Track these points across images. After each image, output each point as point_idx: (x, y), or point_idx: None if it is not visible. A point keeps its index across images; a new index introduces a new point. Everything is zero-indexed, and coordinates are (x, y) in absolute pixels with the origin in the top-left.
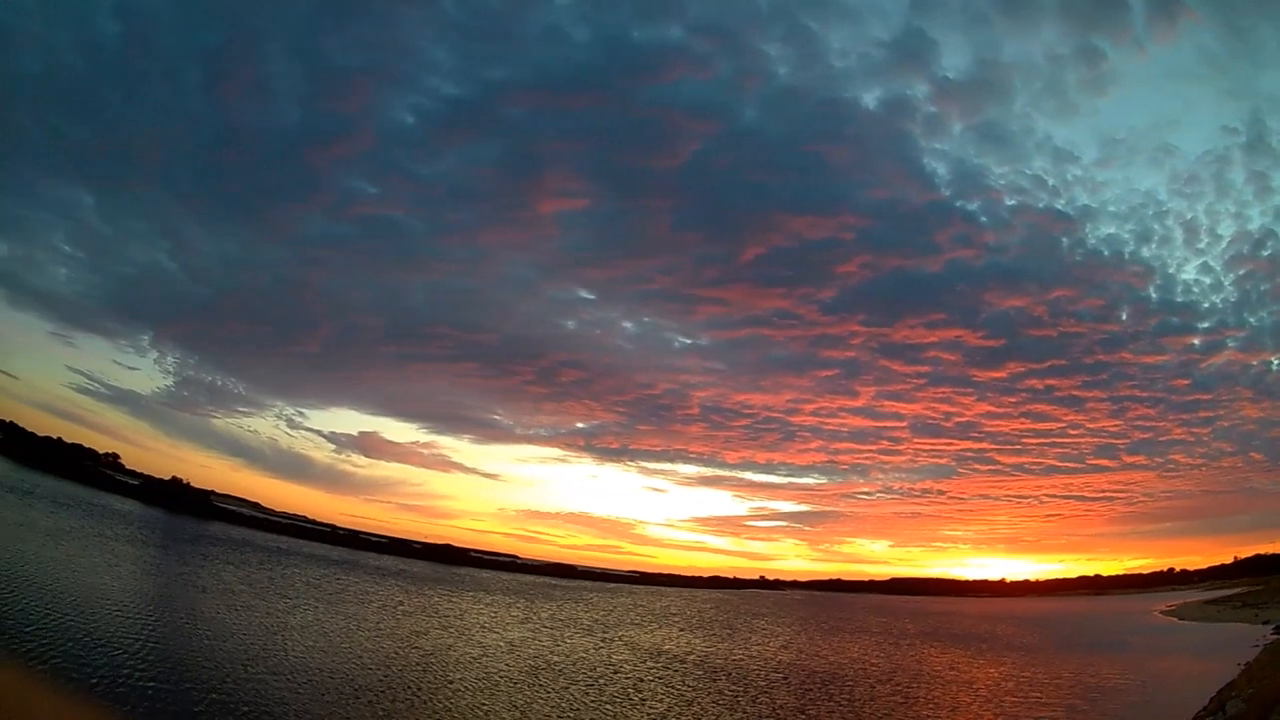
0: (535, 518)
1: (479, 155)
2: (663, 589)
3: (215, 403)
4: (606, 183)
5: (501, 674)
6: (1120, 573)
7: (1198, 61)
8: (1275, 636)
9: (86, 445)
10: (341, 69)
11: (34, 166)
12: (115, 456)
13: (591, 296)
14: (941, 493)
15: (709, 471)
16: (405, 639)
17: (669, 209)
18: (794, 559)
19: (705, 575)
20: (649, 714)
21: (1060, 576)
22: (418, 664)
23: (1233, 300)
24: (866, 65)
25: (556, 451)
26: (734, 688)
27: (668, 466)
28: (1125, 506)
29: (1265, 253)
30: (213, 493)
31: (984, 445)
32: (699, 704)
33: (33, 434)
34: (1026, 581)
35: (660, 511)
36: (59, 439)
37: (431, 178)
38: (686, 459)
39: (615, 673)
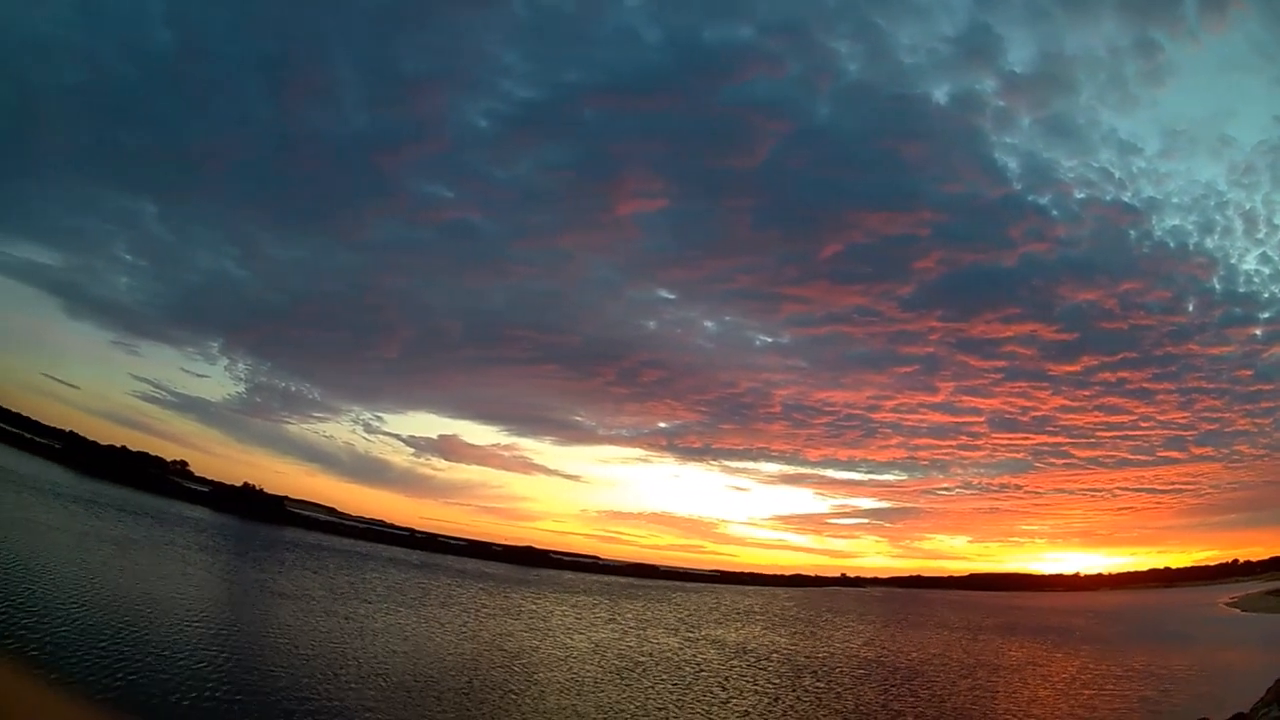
0: (617, 518)
1: (555, 158)
2: (745, 588)
3: (289, 408)
4: (684, 183)
5: (588, 674)
6: (1188, 565)
7: (1249, 51)
8: None
9: (153, 453)
10: (409, 74)
11: (88, 177)
12: (184, 464)
13: (672, 296)
14: (1019, 487)
15: (791, 469)
16: (491, 641)
17: (748, 208)
18: (874, 556)
19: (787, 573)
20: (735, 712)
21: (1131, 569)
22: (504, 665)
23: None
24: (935, 61)
25: (638, 452)
26: (818, 684)
27: (750, 465)
28: (1193, 499)
29: None
30: (286, 498)
31: (1059, 439)
32: (784, 701)
33: (95, 443)
34: (1099, 575)
35: (742, 510)
36: (123, 447)
37: (508, 181)
38: (768, 457)
39: (700, 671)
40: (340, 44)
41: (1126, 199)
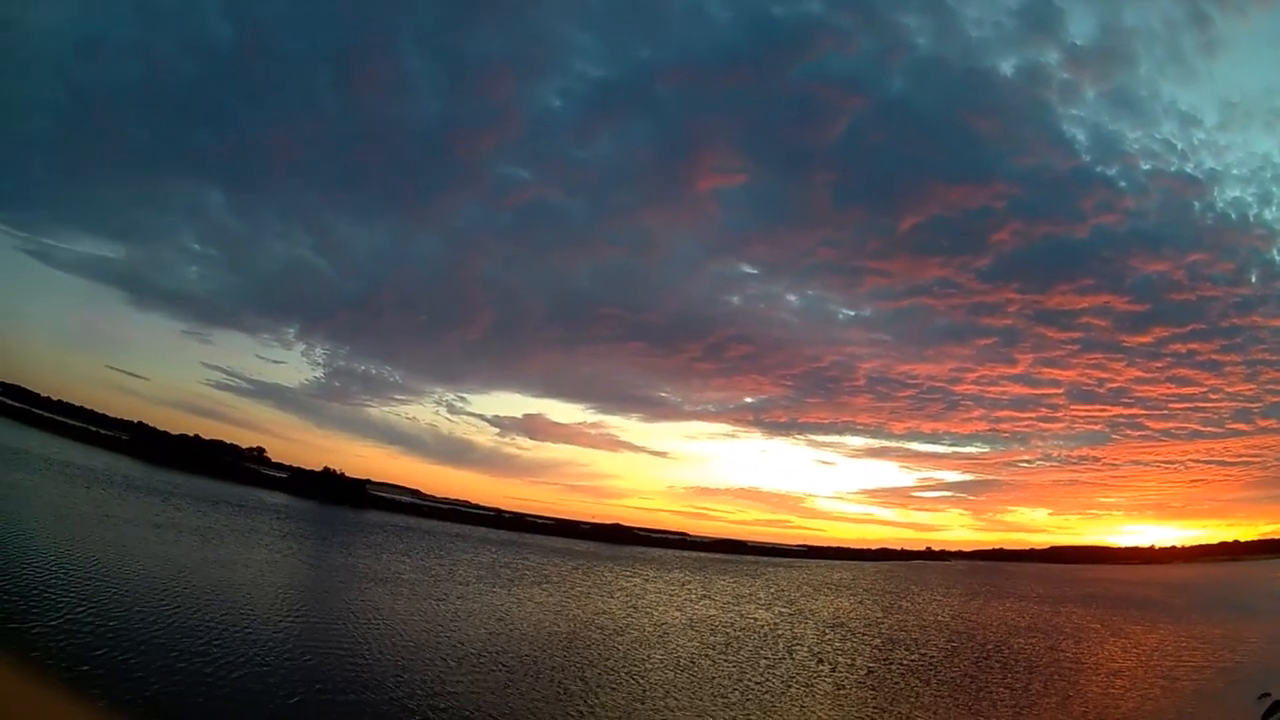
0: (704, 494)
1: (633, 136)
2: (832, 562)
3: (369, 392)
4: (763, 159)
5: (688, 649)
6: (1255, 538)
7: None
8: None
9: (228, 441)
10: (481, 59)
11: (148, 172)
12: (260, 450)
13: (755, 272)
14: (1097, 459)
15: (876, 443)
16: (588, 619)
17: (827, 183)
18: (958, 529)
19: (873, 547)
20: (833, 683)
21: (1202, 543)
22: (603, 643)
23: None
24: (1001, 34)
25: (725, 427)
26: (910, 656)
27: (835, 439)
28: (1261, 471)
29: None
30: (369, 481)
31: (1134, 411)
32: (878, 674)
33: (164, 433)
34: (1172, 548)
35: (829, 484)
36: (195, 436)
37: (588, 161)
38: (854, 431)
39: (796, 644)
40: (409, 33)
41: (1189, 170)
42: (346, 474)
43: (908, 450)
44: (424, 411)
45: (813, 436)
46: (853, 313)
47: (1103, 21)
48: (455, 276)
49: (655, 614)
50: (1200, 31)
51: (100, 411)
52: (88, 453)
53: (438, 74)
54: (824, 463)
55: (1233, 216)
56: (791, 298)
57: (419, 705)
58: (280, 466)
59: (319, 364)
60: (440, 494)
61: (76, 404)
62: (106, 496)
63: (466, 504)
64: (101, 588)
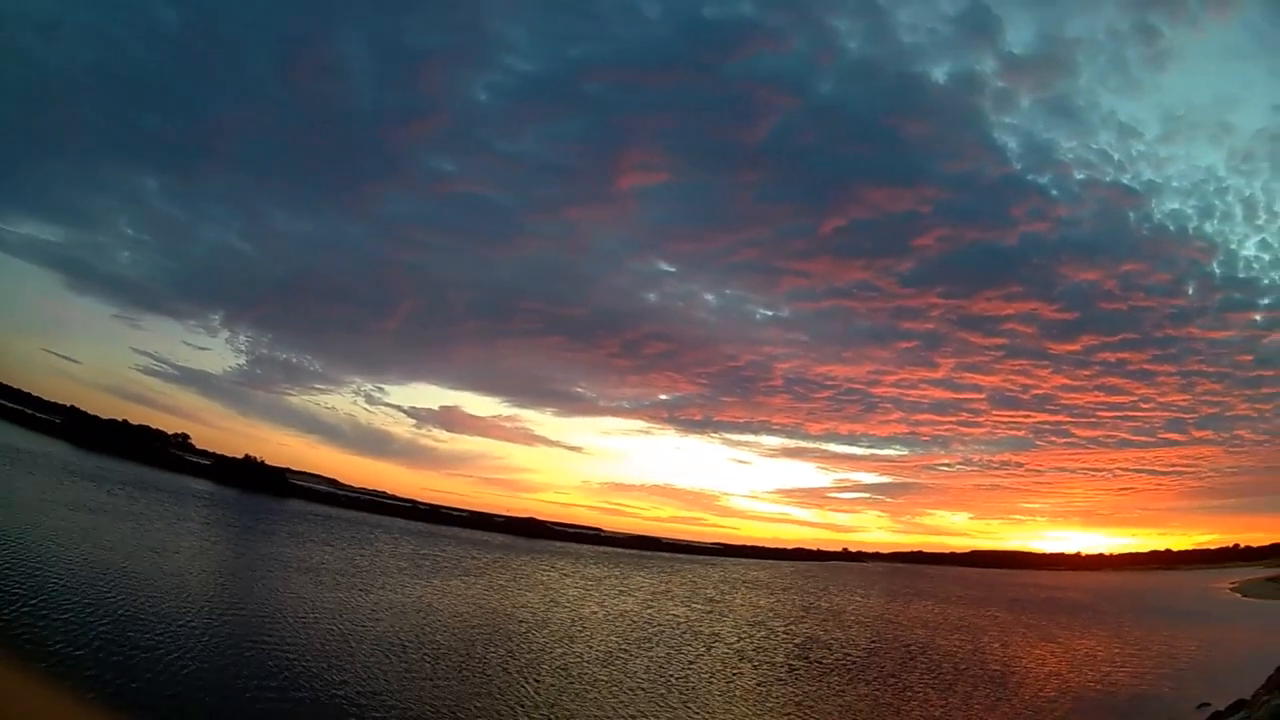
0: (619, 490)
1: (560, 132)
2: (748, 561)
3: (290, 380)
4: (688, 157)
5: (608, 644)
6: (1188, 548)
7: (1251, 40)
8: None
9: (154, 426)
10: (416, 50)
11: (96, 155)
12: (185, 437)
13: (674, 269)
14: (1020, 465)
15: (792, 443)
16: (509, 612)
17: (751, 182)
18: (875, 531)
19: (789, 547)
20: (755, 680)
21: (1132, 550)
22: (524, 636)
23: None
24: (935, 40)
25: (640, 423)
26: (833, 656)
27: (751, 438)
28: (1194, 481)
29: None
30: (288, 470)
31: (1060, 418)
32: (801, 672)
33: (96, 417)
34: (1101, 555)
35: (744, 483)
36: (124, 421)
37: (514, 154)
38: (770, 430)
39: (717, 641)
40: (349, 21)
41: (1126, 181)
42: (268, 462)
43: (824, 451)
44: (343, 401)
45: (728, 435)
46: (771, 313)
47: (1044, 31)
48: (379, 266)
49: (574, 608)
50: (1147, 44)
51: (36, 395)
52: (24, 436)
53: (373, 63)
54: (740, 461)
55: (1171, 228)
56: (710, 296)
57: (346, 697)
58: (204, 453)
59: (242, 351)
60: (358, 484)
61: (14, 387)
62: (44, 481)
63: (383, 494)
64: (44, 573)
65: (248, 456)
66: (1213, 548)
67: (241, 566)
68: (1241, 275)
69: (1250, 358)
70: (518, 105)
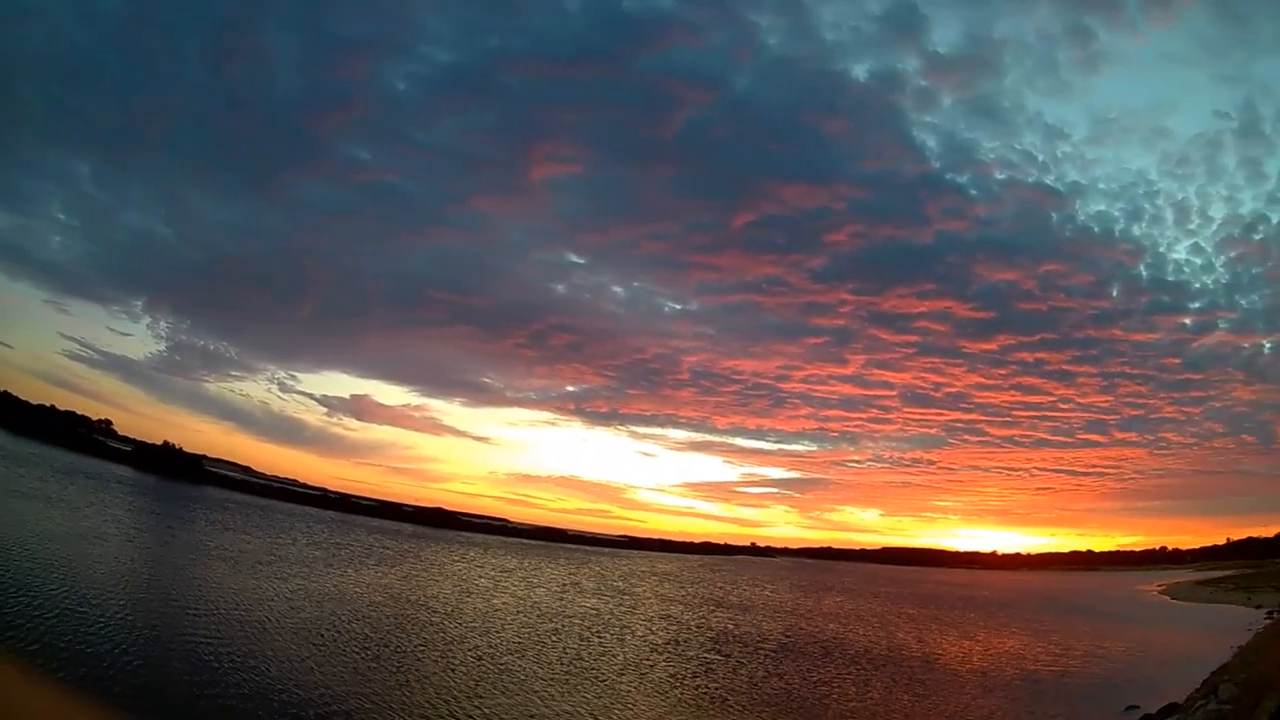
0: (526, 481)
1: (475, 122)
2: (655, 554)
3: (208, 367)
4: (601, 149)
5: (520, 634)
6: (1112, 549)
7: (1193, 46)
8: (1269, 621)
9: (79, 412)
10: (341, 38)
11: (36, 138)
12: (108, 423)
13: (582, 261)
14: (932, 463)
15: (699, 437)
16: (421, 602)
17: (662, 176)
18: (784, 526)
19: (696, 541)
20: (667, 673)
21: (1051, 550)
22: (437, 625)
23: (1224, 282)
24: (858, 38)
25: (547, 415)
26: (745, 649)
27: (658, 431)
28: (1116, 483)
29: (1257, 236)
30: (205, 457)
31: (974, 416)
32: (714, 665)
33: (25, 402)
34: (1018, 554)
35: (650, 476)
36: (52, 406)
37: (430, 144)
38: (676, 424)
39: (627, 633)
40: (279, 7)
41: (1050, 182)
42: (185, 449)
43: (731, 445)
44: (257, 389)
45: (634, 428)
46: (679, 306)
47: (971, 31)
48: (295, 253)
49: (486, 599)
50: (1080, 46)
51: None
52: None
53: (299, 51)
54: (645, 454)
55: (1096, 230)
56: (618, 289)
57: (268, 685)
58: (126, 440)
59: (162, 337)
60: (271, 472)
61: None
62: None
63: (296, 483)
64: None
65: (166, 443)
66: (1138, 550)
67: (165, 554)
68: (1171, 278)
69: (1178, 360)
70: (435, 95)
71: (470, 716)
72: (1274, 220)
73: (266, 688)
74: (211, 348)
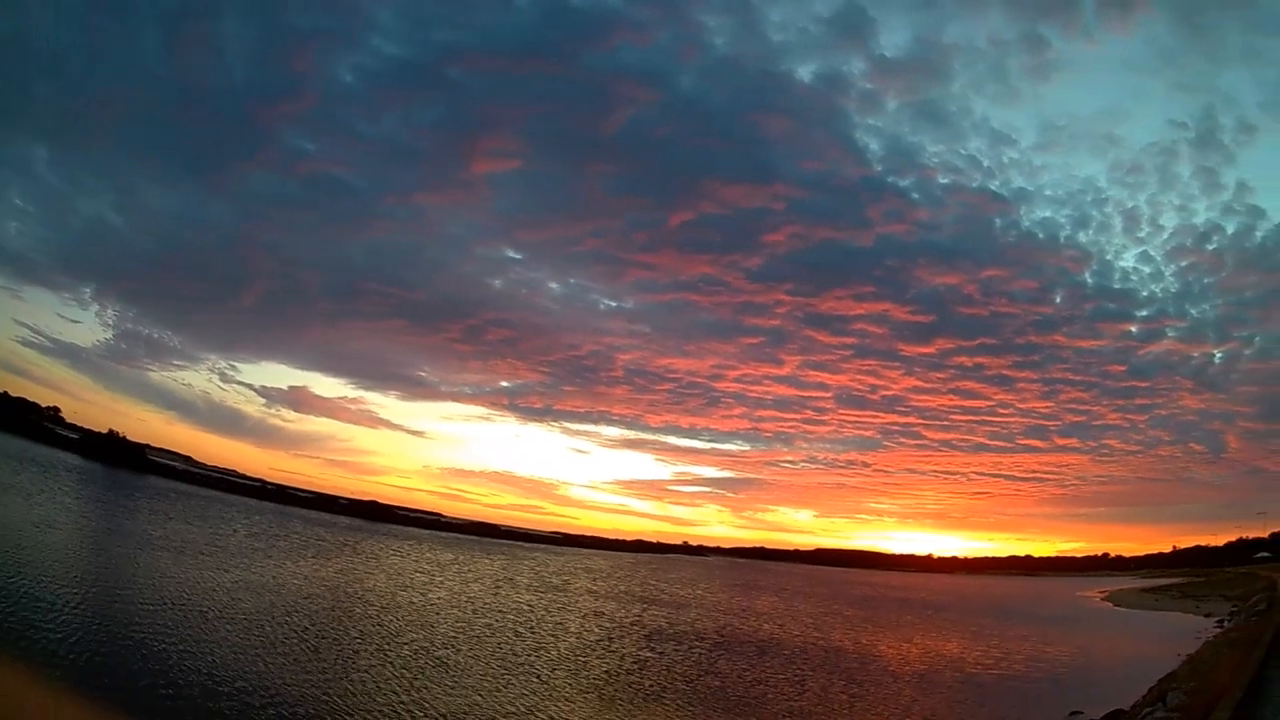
0: (460, 476)
1: (420, 116)
2: (588, 551)
3: (152, 356)
4: (542, 145)
5: (455, 628)
6: (1052, 555)
7: (1150, 54)
8: (1219, 630)
9: (30, 399)
10: (293, 29)
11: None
12: (56, 410)
13: (519, 257)
14: (867, 465)
15: (632, 434)
16: (359, 594)
17: (602, 173)
18: (717, 525)
19: (629, 538)
20: (603, 670)
21: (990, 555)
22: (375, 618)
23: (1174, 291)
24: (805, 39)
25: (480, 410)
26: (680, 647)
27: (591, 428)
28: (1057, 488)
29: (1210, 246)
30: (148, 446)
31: (910, 420)
32: (647, 661)
33: None
34: (955, 558)
35: (583, 473)
36: (4, 393)
37: (374, 137)
38: (610, 421)
39: (561, 629)
40: None
41: (994, 187)
42: (129, 438)
43: (664, 444)
44: (199, 378)
45: (568, 424)
46: (615, 304)
47: (920, 35)
48: (239, 244)
49: (423, 593)
50: (1032, 53)
51: None
52: None
53: (251, 41)
54: (579, 451)
55: (1040, 236)
56: (554, 285)
57: (211, 675)
58: (73, 427)
59: (109, 325)
60: (212, 462)
61: None
62: None
63: (235, 473)
64: None
65: (111, 432)
66: (1079, 556)
67: (111, 543)
68: (1117, 286)
69: (1123, 368)
70: (381, 88)
71: (408, 709)
72: (1229, 230)
73: (210, 678)
74: (156, 336)
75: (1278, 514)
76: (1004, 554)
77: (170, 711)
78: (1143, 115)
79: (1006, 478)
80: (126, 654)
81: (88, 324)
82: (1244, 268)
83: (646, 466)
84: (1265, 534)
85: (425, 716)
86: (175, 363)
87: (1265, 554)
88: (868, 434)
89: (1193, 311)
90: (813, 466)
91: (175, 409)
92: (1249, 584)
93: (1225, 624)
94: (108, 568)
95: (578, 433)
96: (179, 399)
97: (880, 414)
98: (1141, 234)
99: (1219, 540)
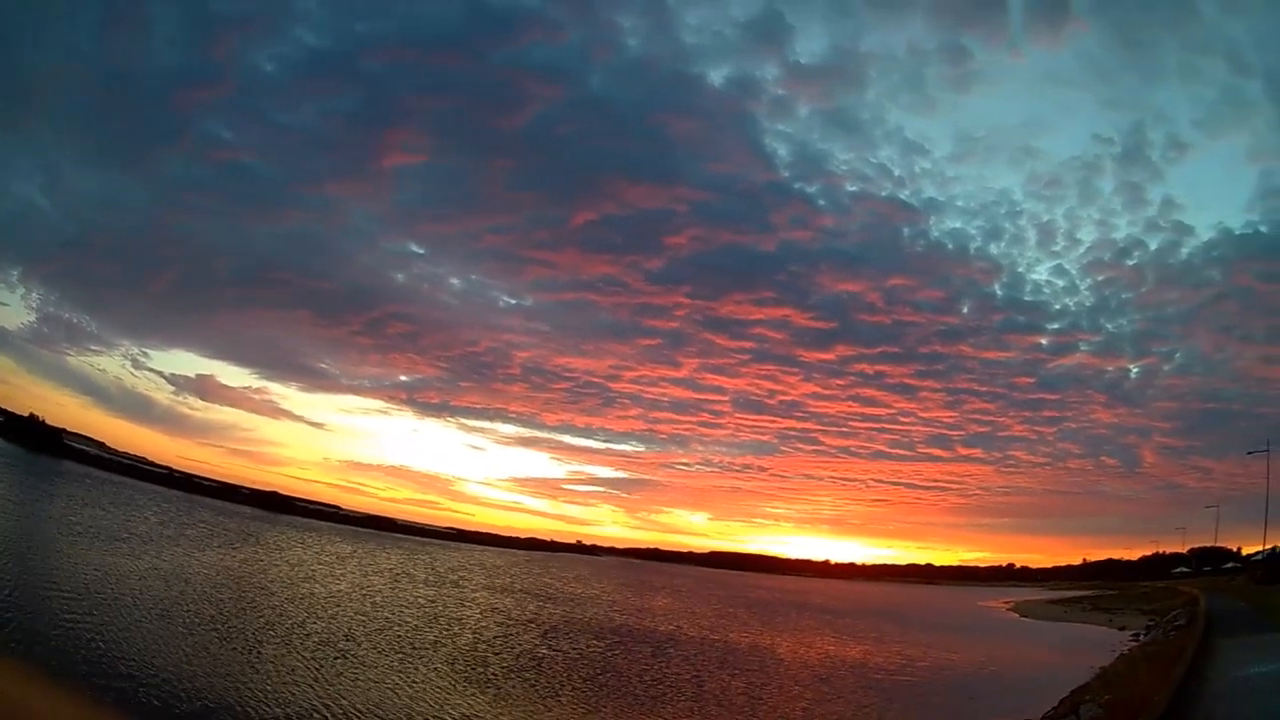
0: (358, 469)
1: (334, 106)
2: (483, 547)
3: (71, 340)
4: (449, 140)
5: (356, 621)
6: (954, 564)
7: (1080, 69)
8: (1135, 643)
9: None
10: (219, 15)
11: None
12: None
13: (422, 251)
14: (763, 469)
15: (528, 432)
16: (263, 585)
17: (506, 169)
18: (611, 525)
19: (523, 536)
20: (503, 668)
21: (890, 562)
22: (279, 609)
23: (1088, 305)
24: (719, 43)
25: (379, 403)
26: (578, 644)
27: (487, 425)
28: (960, 498)
29: (1130, 262)
30: (64, 431)
31: (808, 425)
32: (546, 659)
33: None
34: (854, 564)
35: (479, 470)
36: None
37: (290, 126)
38: (506, 418)
39: (460, 625)
40: None
41: (904, 196)
42: (48, 422)
43: (560, 443)
44: (112, 364)
45: (464, 420)
46: (514, 301)
47: (837, 43)
48: (154, 229)
49: (325, 585)
50: (953, 64)
51: None
52: None
53: (178, 24)
54: (475, 448)
55: (949, 246)
56: (455, 280)
57: (121, 663)
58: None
59: (33, 309)
60: (122, 448)
61: None
62: None
63: (145, 460)
64: None
65: (31, 415)
66: (983, 566)
67: (30, 528)
68: (1028, 299)
69: (1031, 380)
70: (300, 78)
71: (312, 700)
72: (1152, 247)
73: (125, 664)
74: (75, 321)
75: (1198, 530)
76: (904, 562)
77: (87, 700)
78: (1066, 129)
79: (907, 486)
80: (44, 639)
81: (14, 306)
82: (1166, 284)
83: (542, 465)
84: (1185, 549)
85: (330, 707)
86: (91, 348)
87: (1184, 569)
88: (764, 438)
89: (1108, 326)
90: (708, 469)
91: (90, 394)
92: (1168, 598)
93: (1142, 638)
94: (27, 552)
95: (474, 429)
96: (94, 384)
97: (778, 419)
98: (1057, 247)
99: (1133, 554)
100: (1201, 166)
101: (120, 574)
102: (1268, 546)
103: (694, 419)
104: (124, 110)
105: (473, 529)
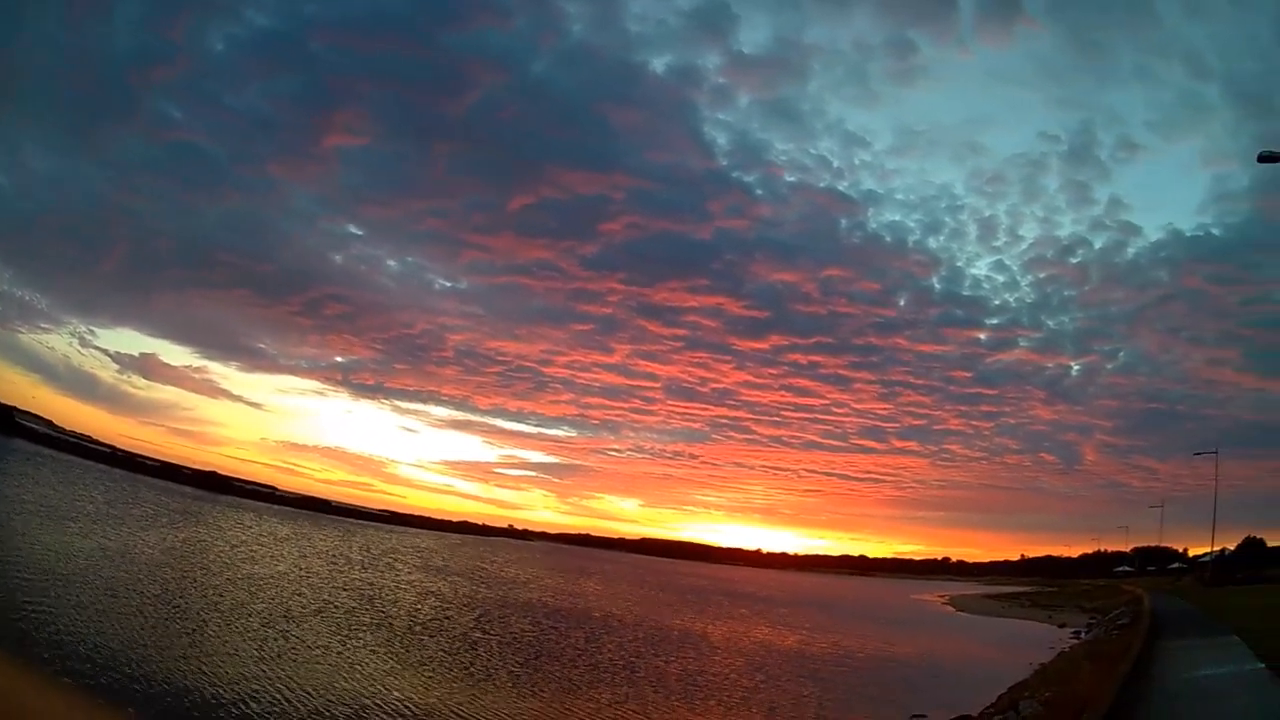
0: (294, 450)
1: (280, 87)
2: (416, 530)
3: (23, 318)
4: (391, 123)
5: (296, 602)
6: (888, 556)
7: (1029, 67)
8: (1076, 641)
9: None
10: None
11: None
12: None
13: (361, 233)
14: (695, 456)
15: (460, 415)
16: (205, 564)
17: (446, 153)
18: (542, 510)
19: (455, 520)
20: (440, 650)
21: (823, 553)
22: (221, 589)
23: (1029, 301)
24: (663, 31)
25: (315, 384)
26: (510, 630)
27: (420, 407)
28: (894, 490)
29: (1074, 260)
30: (15, 409)
31: (740, 414)
32: (480, 642)
33: None
34: (786, 554)
35: (411, 452)
36: None
37: (237, 107)
38: (439, 401)
39: (396, 606)
40: None
41: (842, 188)
42: (1, 401)
43: (492, 426)
44: (60, 342)
45: (398, 402)
46: (449, 284)
47: (780, 34)
48: (104, 208)
49: (265, 565)
50: (897, 58)
51: None
52: None
53: (137, 5)
54: (408, 430)
55: (887, 239)
56: (392, 262)
57: (73, 639)
58: None
59: None
60: (69, 426)
61: None
62: None
63: (90, 439)
64: None
65: None
66: (917, 559)
67: None
68: (967, 293)
69: (969, 374)
70: (248, 58)
71: (255, 680)
72: (1096, 245)
73: (77, 643)
74: (27, 299)
75: (1142, 530)
76: (838, 553)
77: (42, 679)
78: (1013, 126)
79: (840, 477)
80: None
81: None
82: (1110, 282)
83: (474, 448)
84: (1128, 548)
85: (275, 686)
86: (42, 325)
87: (1127, 568)
88: (696, 426)
89: (1049, 323)
90: (639, 456)
91: (39, 371)
92: (1110, 596)
93: (1083, 635)
94: None
95: (408, 411)
96: (43, 362)
97: (710, 406)
98: (998, 243)
99: (1073, 551)
100: (1153, 168)
101: (70, 553)
102: (1216, 548)
103: (626, 405)
104: (83, 90)
105: (405, 511)
